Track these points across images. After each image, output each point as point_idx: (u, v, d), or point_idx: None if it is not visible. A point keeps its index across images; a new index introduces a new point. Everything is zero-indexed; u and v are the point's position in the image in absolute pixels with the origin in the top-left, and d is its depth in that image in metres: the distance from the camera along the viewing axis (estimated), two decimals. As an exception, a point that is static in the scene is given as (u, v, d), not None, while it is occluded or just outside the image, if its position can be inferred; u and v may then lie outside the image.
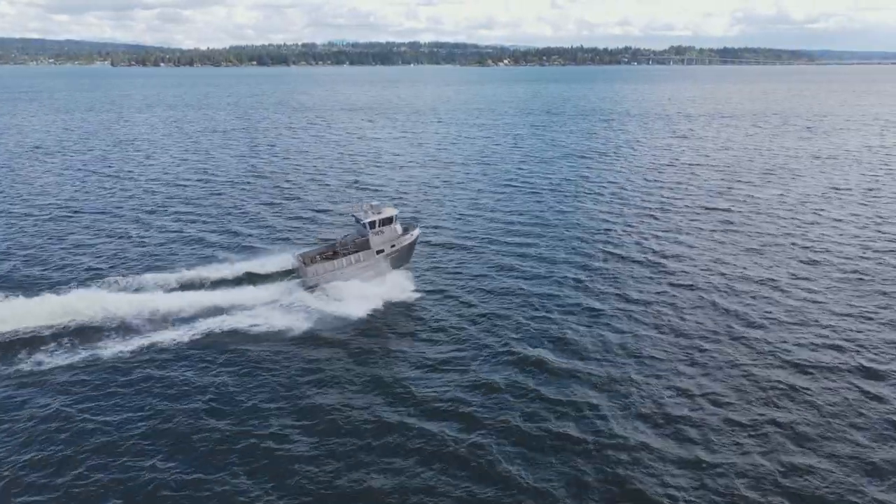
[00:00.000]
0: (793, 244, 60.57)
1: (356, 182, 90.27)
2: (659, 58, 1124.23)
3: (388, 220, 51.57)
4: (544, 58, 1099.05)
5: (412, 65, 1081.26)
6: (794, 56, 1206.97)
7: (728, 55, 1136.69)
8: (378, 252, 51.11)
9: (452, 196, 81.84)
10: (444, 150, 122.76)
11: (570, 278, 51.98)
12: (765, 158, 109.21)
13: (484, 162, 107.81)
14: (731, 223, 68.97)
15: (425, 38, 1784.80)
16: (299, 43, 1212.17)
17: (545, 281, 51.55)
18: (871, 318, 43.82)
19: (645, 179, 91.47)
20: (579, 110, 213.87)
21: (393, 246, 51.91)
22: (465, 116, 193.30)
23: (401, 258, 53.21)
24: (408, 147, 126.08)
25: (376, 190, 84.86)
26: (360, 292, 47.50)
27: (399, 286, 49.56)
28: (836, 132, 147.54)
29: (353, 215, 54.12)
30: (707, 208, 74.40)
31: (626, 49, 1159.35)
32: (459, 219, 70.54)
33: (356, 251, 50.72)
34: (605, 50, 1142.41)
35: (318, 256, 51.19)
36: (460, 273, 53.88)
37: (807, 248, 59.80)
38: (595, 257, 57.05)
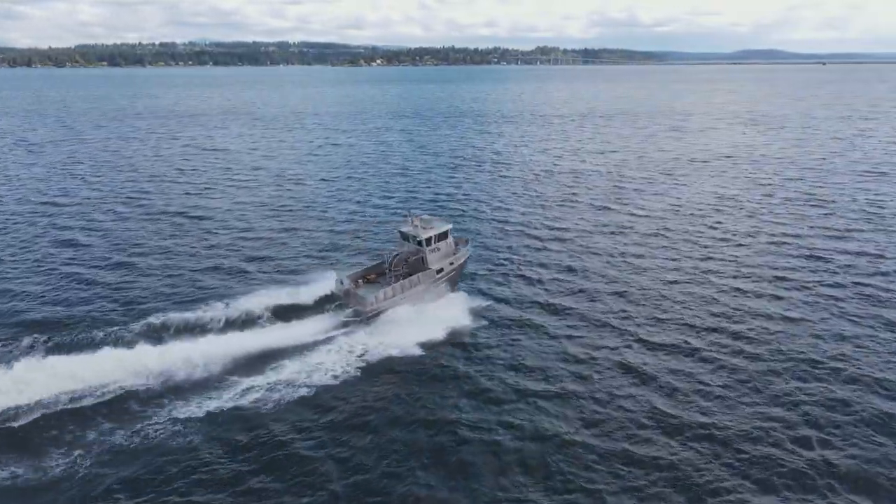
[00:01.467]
0: (691, 248, 53.09)
1: (174, 208, 72.84)
2: (526, 58, 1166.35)
3: (444, 235, 45.65)
4: (417, 58, 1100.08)
5: (282, 65, 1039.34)
6: (646, 57, 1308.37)
7: (589, 55, 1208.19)
8: (438, 271, 44.90)
9: (304, 219, 67.42)
10: (303, 164, 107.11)
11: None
12: (646, 160, 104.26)
13: (349, 177, 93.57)
14: (624, 227, 62.39)
15: (294, 38, 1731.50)
16: (156, 42, 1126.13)
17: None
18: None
19: (526, 189, 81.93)
20: (454, 111, 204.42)
21: (451, 263, 45.98)
22: (331, 121, 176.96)
23: (456, 277, 47.25)
24: (262, 160, 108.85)
25: (202, 217, 68.37)
26: (428, 320, 41.39)
27: (462, 309, 43.73)
28: (707, 131, 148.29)
29: (399, 231, 46.59)
30: (602, 208, 65.75)
31: (496, 49, 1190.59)
32: (301, 248, 56.66)
33: (409, 272, 44.46)
34: (476, 50, 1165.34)
35: (361, 280, 44.64)
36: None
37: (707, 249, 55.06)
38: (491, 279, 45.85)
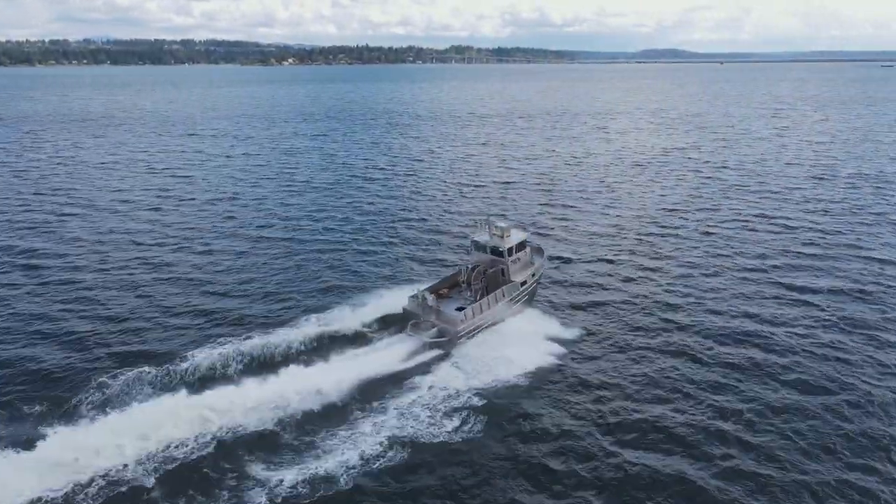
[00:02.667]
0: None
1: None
2: (442, 57, 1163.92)
3: (523, 245, 41.82)
4: (331, 57, 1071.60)
5: (187, 64, 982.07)
6: (558, 56, 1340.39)
7: (503, 55, 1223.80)
8: (521, 284, 40.52)
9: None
10: (183, 180, 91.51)
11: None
12: (582, 163, 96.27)
13: (242, 198, 79.54)
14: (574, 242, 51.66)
15: (200, 36, 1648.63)
16: (46, 40, 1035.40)
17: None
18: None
19: (443, 201, 71.48)
20: (369, 113, 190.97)
21: (533, 275, 42.00)
22: (229, 126, 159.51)
23: (535, 290, 43.01)
24: (130, 174, 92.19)
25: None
26: (526, 340, 36.56)
27: (549, 324, 39.43)
28: (634, 131, 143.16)
29: (473, 240, 42.17)
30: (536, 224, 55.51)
31: (411, 48, 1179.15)
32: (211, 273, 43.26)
33: (488, 285, 39.86)
34: (391, 49, 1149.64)
35: (433, 297, 38.49)
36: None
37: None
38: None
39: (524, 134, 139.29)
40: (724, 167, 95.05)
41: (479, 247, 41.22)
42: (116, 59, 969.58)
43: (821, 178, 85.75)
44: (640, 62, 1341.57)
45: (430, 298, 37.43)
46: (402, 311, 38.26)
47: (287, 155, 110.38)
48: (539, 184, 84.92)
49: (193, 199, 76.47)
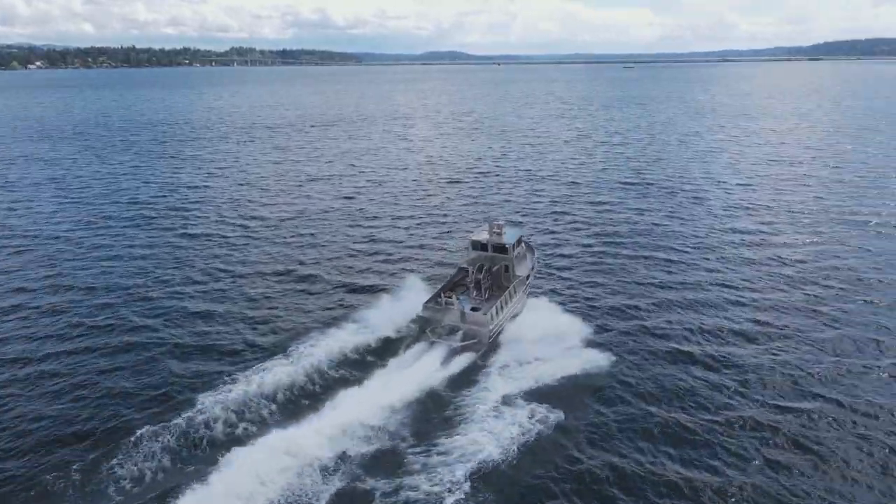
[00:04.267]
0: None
1: None
2: (222, 59, 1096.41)
3: (520, 241, 41.87)
4: (90, 59, 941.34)
5: None
6: (345, 58, 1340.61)
7: (288, 56, 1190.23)
8: (527, 278, 40.56)
9: None
10: None
11: None
12: (377, 182, 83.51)
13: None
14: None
15: None
16: None
17: None
18: None
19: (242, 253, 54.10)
20: (132, 126, 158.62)
21: (532, 268, 42.12)
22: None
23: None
24: None
25: None
26: (549, 332, 35.61)
27: (564, 313, 39.27)
28: (440, 138, 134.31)
29: (472, 240, 41.09)
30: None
31: (186, 50, 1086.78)
32: None
33: (493, 283, 39.61)
34: (163, 51, 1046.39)
35: (443, 298, 37.03)
36: None
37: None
38: None
39: (321, 148, 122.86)
40: (543, 175, 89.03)
41: (480, 246, 40.94)
42: None
43: (628, 183, 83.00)
44: (424, 63, 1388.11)
45: (456, 302, 36.50)
46: (416, 320, 36.58)
47: (2, 189, 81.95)
48: (345, 213, 70.29)
49: None
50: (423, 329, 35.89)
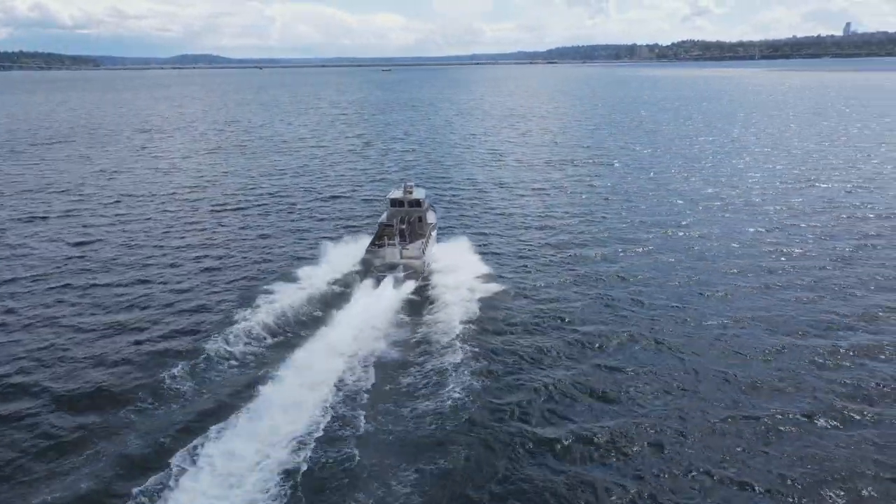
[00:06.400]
0: None
1: None
2: None
3: (426, 198, 51.25)
4: None
5: None
6: (79, 61, 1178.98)
7: (5, 60, 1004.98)
8: (436, 227, 50.12)
9: None
10: None
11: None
12: (117, 225, 65.57)
13: None
14: None
15: None
16: None
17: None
18: None
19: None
20: None
21: (437, 217, 52.46)
22: None
23: None
24: None
25: None
26: (470, 266, 44.79)
27: (472, 251, 48.38)
28: (211, 153, 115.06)
29: (391, 198, 49.84)
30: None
31: None
32: None
33: (411, 231, 47.17)
34: None
35: (378, 243, 44.49)
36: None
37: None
38: None
39: (65, 172, 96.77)
40: (338, 193, 78.23)
41: (397, 202, 49.17)
42: None
43: (430, 187, 76.67)
44: (176, 68, 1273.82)
45: (396, 243, 43.78)
46: (360, 262, 43.27)
47: None
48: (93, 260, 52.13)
49: None
50: (368, 269, 42.49)
